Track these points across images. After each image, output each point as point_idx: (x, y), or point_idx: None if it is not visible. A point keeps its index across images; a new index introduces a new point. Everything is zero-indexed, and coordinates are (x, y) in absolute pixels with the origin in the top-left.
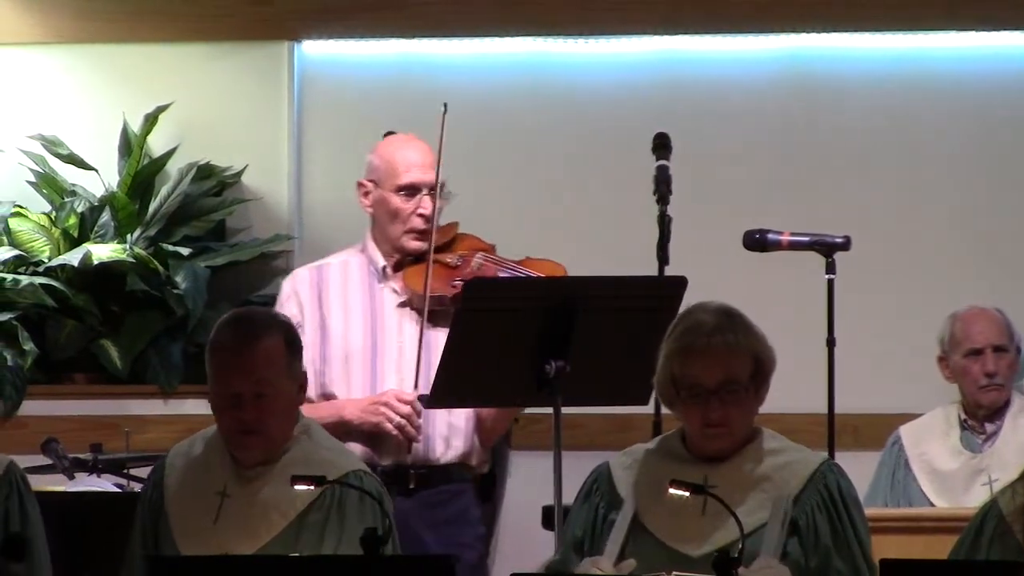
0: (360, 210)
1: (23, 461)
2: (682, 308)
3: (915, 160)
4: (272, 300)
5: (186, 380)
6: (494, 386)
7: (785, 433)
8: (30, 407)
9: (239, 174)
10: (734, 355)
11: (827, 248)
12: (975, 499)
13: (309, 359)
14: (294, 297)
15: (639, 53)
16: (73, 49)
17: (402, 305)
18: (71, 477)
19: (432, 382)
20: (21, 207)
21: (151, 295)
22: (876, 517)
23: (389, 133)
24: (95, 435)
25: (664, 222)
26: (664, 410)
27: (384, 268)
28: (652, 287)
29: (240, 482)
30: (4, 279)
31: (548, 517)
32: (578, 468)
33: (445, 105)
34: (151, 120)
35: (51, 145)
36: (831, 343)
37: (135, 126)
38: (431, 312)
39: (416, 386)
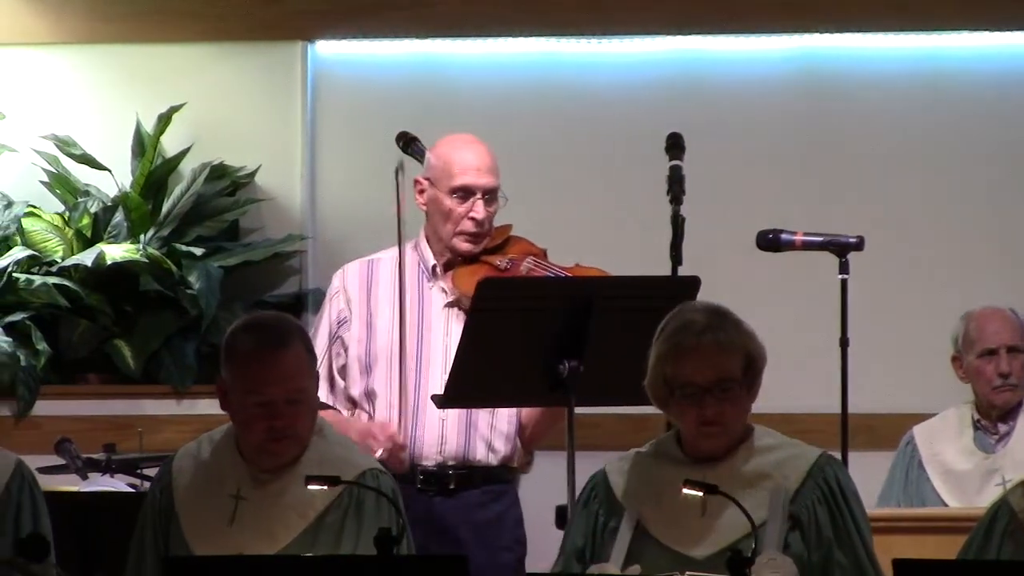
0: (372, 209)
1: (36, 461)
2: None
3: (929, 160)
4: (286, 300)
5: (199, 380)
6: (508, 386)
7: (799, 433)
8: (43, 407)
9: (252, 174)
10: (726, 353)
11: (840, 248)
12: (988, 499)
13: (355, 355)
14: (342, 292)
15: (653, 53)
16: (86, 49)
17: (450, 305)
18: (84, 477)
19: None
20: (34, 207)
21: (164, 295)
22: (889, 517)
23: (402, 134)
24: (108, 435)
25: (677, 222)
26: None
27: (434, 267)
28: (666, 287)
29: (255, 484)
30: (17, 279)
31: (562, 517)
32: (592, 468)
33: (399, 166)
34: (164, 120)
35: (64, 145)
36: (844, 343)
37: (148, 126)
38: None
39: None
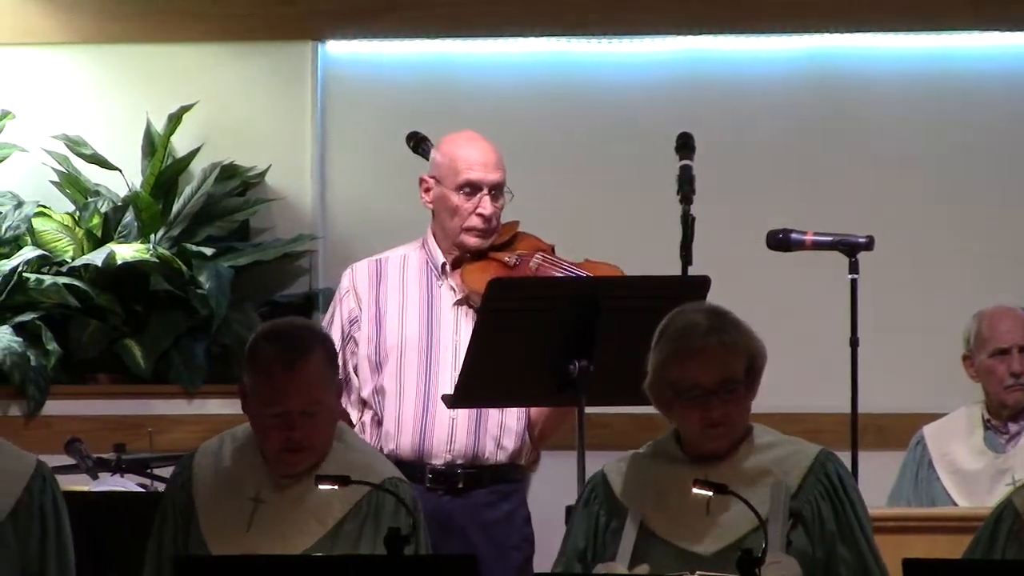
0: (383, 209)
1: (46, 461)
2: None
3: (940, 160)
4: (296, 299)
5: (209, 380)
6: (517, 386)
7: (808, 433)
8: (53, 407)
9: (263, 174)
10: (730, 354)
11: (850, 248)
12: (999, 499)
13: (364, 354)
14: (352, 292)
15: (662, 53)
16: (97, 49)
17: (459, 303)
18: (95, 477)
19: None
20: (45, 207)
21: (174, 295)
22: (900, 516)
23: (412, 133)
24: (118, 435)
25: (688, 222)
26: None
27: (443, 265)
28: (676, 287)
29: (275, 488)
30: (28, 279)
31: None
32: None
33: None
34: (175, 120)
35: (75, 145)
36: (854, 343)
37: (159, 126)
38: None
39: None
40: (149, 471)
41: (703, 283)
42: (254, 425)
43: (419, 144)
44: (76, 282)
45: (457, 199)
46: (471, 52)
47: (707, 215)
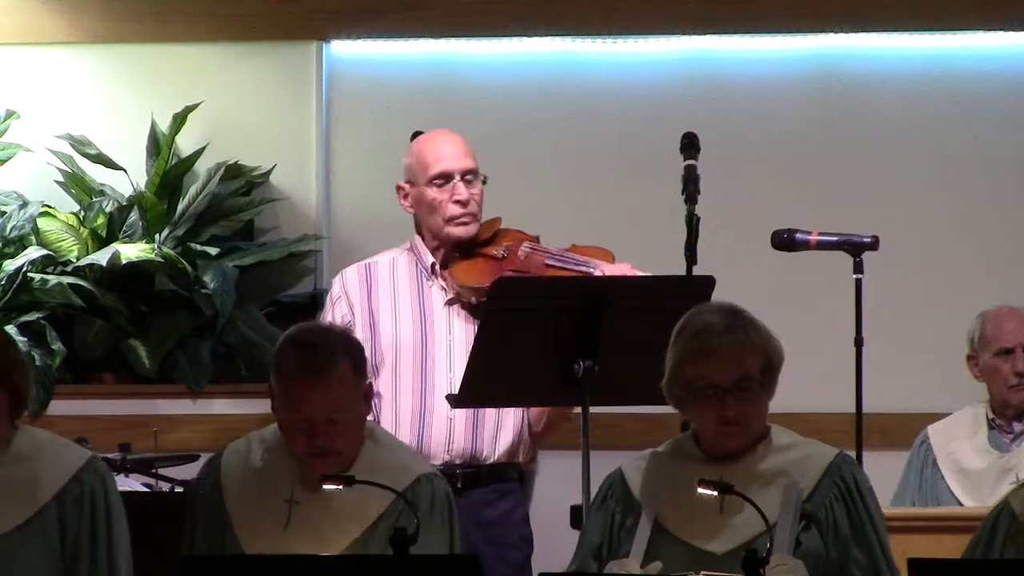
0: (387, 209)
1: None
2: None
3: (944, 160)
4: (301, 299)
5: (214, 380)
6: (522, 385)
7: (813, 433)
8: (58, 407)
9: (267, 174)
10: (746, 353)
11: (855, 248)
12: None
13: None
14: (344, 297)
15: (667, 53)
16: (101, 49)
17: (450, 302)
18: None
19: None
20: (49, 207)
21: (179, 295)
22: (904, 516)
23: (417, 133)
24: (124, 435)
25: (692, 222)
26: None
27: (432, 265)
28: (681, 286)
29: (308, 489)
30: (32, 279)
31: (577, 517)
32: (607, 467)
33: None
34: (179, 120)
35: (79, 145)
36: (859, 343)
37: (163, 126)
38: (480, 305)
39: None
40: (154, 471)
41: (708, 283)
42: (281, 428)
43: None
44: (81, 282)
45: (433, 192)
46: (475, 52)
47: (712, 215)
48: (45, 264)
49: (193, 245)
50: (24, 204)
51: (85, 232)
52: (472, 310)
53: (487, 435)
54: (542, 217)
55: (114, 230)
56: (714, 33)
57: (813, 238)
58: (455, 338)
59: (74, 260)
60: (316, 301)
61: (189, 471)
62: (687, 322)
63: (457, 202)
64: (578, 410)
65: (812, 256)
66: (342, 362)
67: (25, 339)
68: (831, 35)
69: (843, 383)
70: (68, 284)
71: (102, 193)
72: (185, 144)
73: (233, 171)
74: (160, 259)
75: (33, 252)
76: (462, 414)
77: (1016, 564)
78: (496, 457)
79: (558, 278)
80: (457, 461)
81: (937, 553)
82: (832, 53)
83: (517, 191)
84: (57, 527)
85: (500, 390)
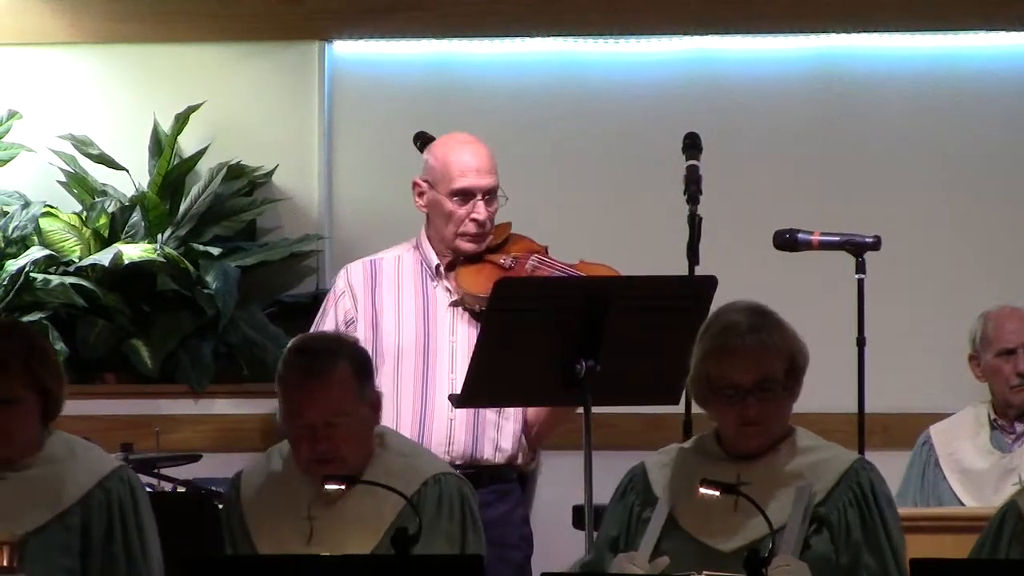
0: (390, 209)
1: None
2: (712, 308)
3: (946, 160)
4: (303, 299)
5: (216, 380)
6: (525, 385)
7: (814, 433)
8: None
9: (270, 174)
10: (769, 354)
11: (857, 248)
12: (1005, 499)
13: None
14: (348, 292)
15: (669, 53)
16: (104, 49)
17: (454, 304)
18: None
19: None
20: (52, 207)
21: (181, 295)
22: (906, 516)
23: (419, 133)
24: (126, 435)
25: (694, 222)
26: (695, 409)
27: (438, 267)
28: (682, 287)
29: (323, 504)
30: (35, 279)
31: (579, 516)
32: (609, 467)
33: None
34: (182, 120)
35: (82, 145)
36: (861, 343)
37: (166, 126)
38: (483, 312)
39: None
40: (156, 471)
41: (710, 283)
42: (289, 440)
43: (426, 144)
44: (83, 282)
45: (451, 205)
46: (478, 52)
47: (714, 215)
48: (47, 264)
49: (195, 245)
50: (26, 204)
51: (87, 232)
52: (476, 315)
53: (487, 436)
54: (544, 218)
55: (116, 230)
56: (715, 33)
57: (815, 238)
58: (458, 339)
59: (76, 260)
60: (318, 301)
61: (191, 471)
62: (713, 320)
63: (474, 221)
64: (580, 410)
65: (814, 256)
66: (341, 365)
67: None
68: (832, 35)
69: (845, 383)
70: (70, 284)
71: (104, 193)
72: (187, 144)
73: (235, 171)
74: (162, 259)
75: (35, 252)
76: (462, 415)
77: (1018, 564)
78: (496, 458)
79: (560, 278)
80: (457, 462)
81: (939, 553)
82: (833, 53)
83: (518, 191)
84: (79, 532)
85: (502, 390)
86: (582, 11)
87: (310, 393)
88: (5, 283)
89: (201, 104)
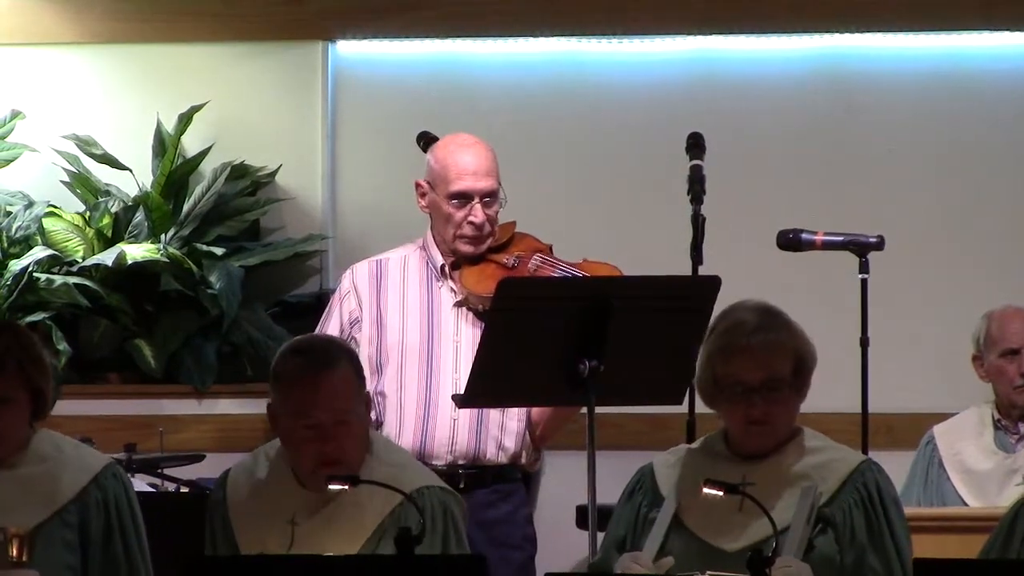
0: (393, 209)
1: None
2: (716, 308)
3: (950, 160)
4: (306, 299)
5: (220, 380)
6: (528, 385)
7: (820, 433)
8: (64, 407)
9: (273, 174)
10: (776, 353)
11: (861, 248)
12: (1009, 499)
13: (365, 355)
14: (353, 292)
15: (673, 53)
16: (107, 49)
17: (459, 304)
18: None
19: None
20: (55, 207)
21: (185, 295)
22: (909, 516)
23: (422, 133)
24: (129, 435)
25: (698, 222)
26: (699, 409)
27: (442, 267)
28: (686, 287)
29: (308, 511)
30: (38, 279)
31: (582, 516)
32: (613, 468)
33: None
34: (185, 120)
35: (85, 145)
36: (865, 343)
37: (169, 126)
38: (486, 312)
39: None
40: (160, 471)
41: (713, 283)
42: (286, 443)
43: (430, 144)
44: (86, 282)
45: (449, 207)
46: (481, 52)
47: (717, 215)
48: (51, 264)
49: (199, 245)
50: (30, 204)
51: (91, 232)
52: (480, 315)
53: (490, 436)
54: (547, 217)
55: (120, 230)
56: (719, 33)
57: (819, 238)
58: (462, 339)
59: (80, 260)
60: (322, 301)
61: (195, 471)
62: (721, 318)
63: (471, 223)
64: (584, 410)
65: (818, 256)
66: (344, 361)
67: None
68: (836, 35)
69: (849, 383)
70: (74, 284)
71: (108, 193)
72: (191, 144)
73: (239, 171)
74: (166, 259)
75: (39, 252)
76: (465, 415)
77: (1021, 564)
78: (499, 458)
79: (563, 278)
80: (460, 461)
81: (943, 553)
82: (837, 53)
83: (523, 191)
84: (78, 528)
85: (506, 390)
86: (586, 11)
87: (317, 389)
88: (9, 283)
89: (205, 104)
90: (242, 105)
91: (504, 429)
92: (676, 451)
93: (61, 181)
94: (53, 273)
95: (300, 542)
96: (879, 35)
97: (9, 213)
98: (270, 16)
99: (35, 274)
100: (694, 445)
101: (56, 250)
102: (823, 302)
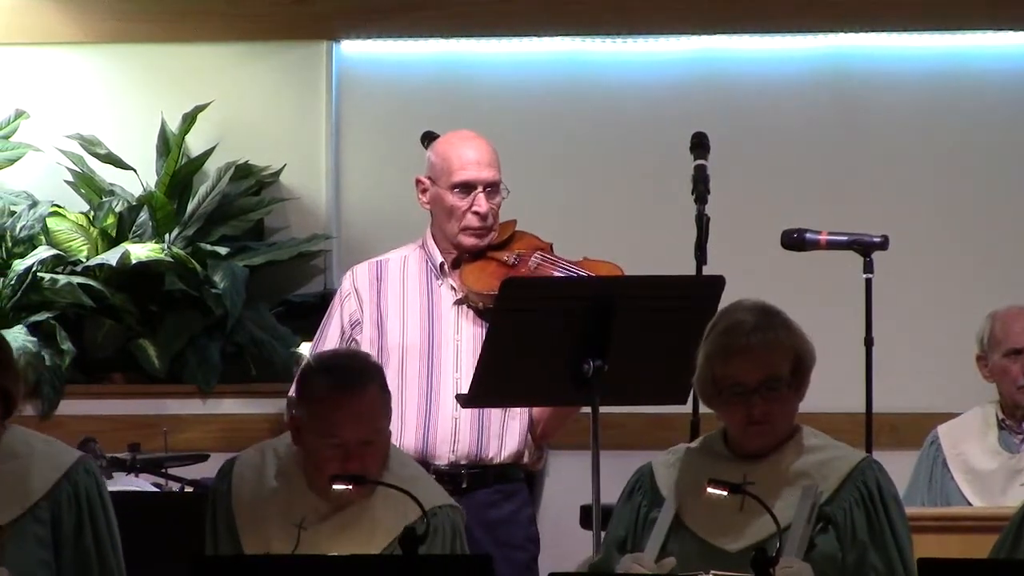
0: (397, 208)
1: None
2: (720, 307)
3: (954, 159)
4: (311, 299)
5: (224, 380)
6: (532, 385)
7: (823, 432)
8: (68, 407)
9: (277, 174)
10: (774, 353)
11: (865, 247)
12: (1013, 499)
13: None
14: (353, 294)
15: (677, 53)
16: (111, 49)
17: (459, 303)
18: (109, 477)
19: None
20: (59, 207)
21: (189, 295)
22: (913, 516)
23: (427, 133)
24: (133, 435)
25: (702, 222)
26: (702, 409)
27: (442, 265)
28: (690, 287)
29: (318, 517)
30: (42, 279)
31: (586, 516)
32: (616, 467)
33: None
34: (189, 120)
35: (89, 145)
36: (869, 342)
37: (173, 126)
38: (487, 310)
39: None
40: (164, 471)
41: (718, 283)
42: (308, 457)
43: (433, 143)
44: (91, 282)
45: (452, 199)
46: (485, 52)
47: (722, 215)
48: (55, 264)
49: (203, 245)
50: (34, 204)
51: (95, 232)
52: (480, 313)
53: (492, 435)
54: (551, 217)
55: (124, 230)
56: (724, 33)
57: (823, 238)
58: (463, 339)
59: (84, 260)
60: (326, 301)
61: (199, 471)
62: (719, 318)
63: (475, 214)
64: (587, 410)
65: (822, 256)
66: (372, 380)
67: (35, 339)
68: (841, 35)
69: (853, 383)
70: (78, 284)
71: (112, 193)
72: (195, 144)
73: (243, 171)
74: (170, 259)
75: (43, 252)
76: (467, 414)
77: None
78: (501, 458)
79: (568, 279)
80: (462, 461)
81: (946, 553)
82: (842, 53)
83: (526, 190)
84: (50, 524)
85: (510, 390)
86: (590, 11)
87: (346, 411)
88: (13, 283)
89: (209, 104)
90: (246, 105)
91: (506, 428)
92: (675, 451)
93: (65, 181)
94: (57, 273)
95: (306, 547)
96: (884, 35)
97: (13, 213)
98: (274, 16)
99: (39, 274)
100: (693, 445)
101: (60, 250)
102: (827, 302)
